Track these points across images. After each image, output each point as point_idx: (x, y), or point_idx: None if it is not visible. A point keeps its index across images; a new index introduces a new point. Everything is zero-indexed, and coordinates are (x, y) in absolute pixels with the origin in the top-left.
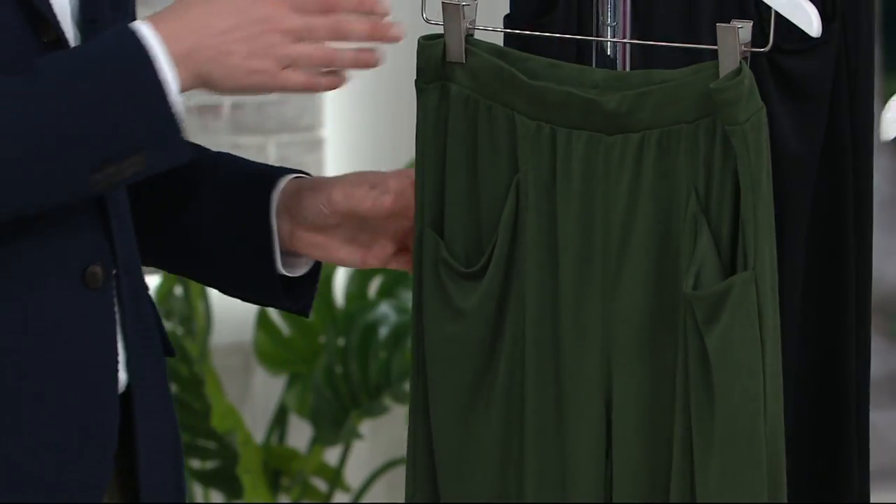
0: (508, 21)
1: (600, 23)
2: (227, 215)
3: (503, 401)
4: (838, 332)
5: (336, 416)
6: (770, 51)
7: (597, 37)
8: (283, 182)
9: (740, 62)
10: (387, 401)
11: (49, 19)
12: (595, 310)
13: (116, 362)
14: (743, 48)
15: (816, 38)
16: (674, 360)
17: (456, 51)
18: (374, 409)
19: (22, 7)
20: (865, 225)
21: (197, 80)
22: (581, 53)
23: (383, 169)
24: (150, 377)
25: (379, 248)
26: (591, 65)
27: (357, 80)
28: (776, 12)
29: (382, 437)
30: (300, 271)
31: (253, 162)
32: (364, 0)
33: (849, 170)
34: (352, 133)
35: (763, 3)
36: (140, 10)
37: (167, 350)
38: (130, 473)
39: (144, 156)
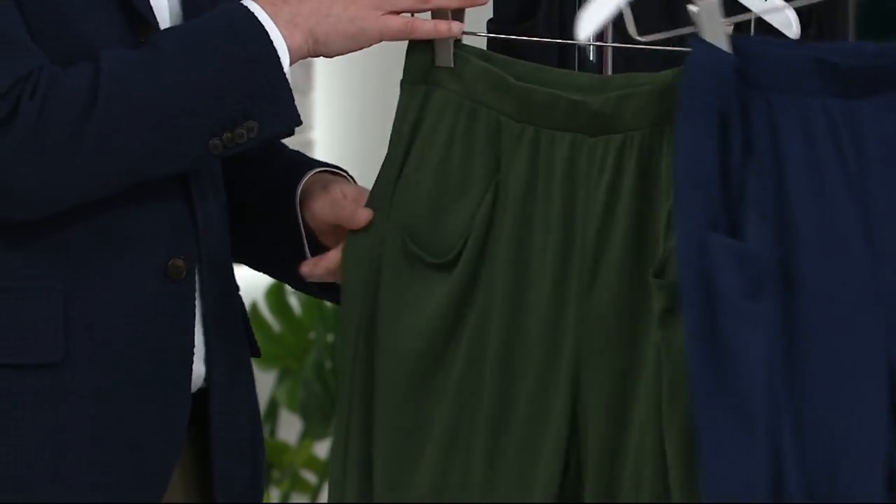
0: (491, 25)
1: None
2: (265, 201)
3: (457, 389)
4: None
5: (325, 410)
6: None
7: (577, 49)
8: (309, 174)
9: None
10: None
11: (150, 21)
12: (570, 306)
13: (191, 355)
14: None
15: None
16: (643, 355)
17: (444, 55)
18: None
19: (123, 8)
20: None
21: (308, 41)
22: (563, 57)
23: (373, 171)
24: (231, 374)
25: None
26: (572, 68)
27: (347, 83)
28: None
29: None
30: None
31: (298, 154)
32: None
33: None
34: (341, 135)
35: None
36: None
37: (253, 351)
38: (208, 468)
39: (258, 120)
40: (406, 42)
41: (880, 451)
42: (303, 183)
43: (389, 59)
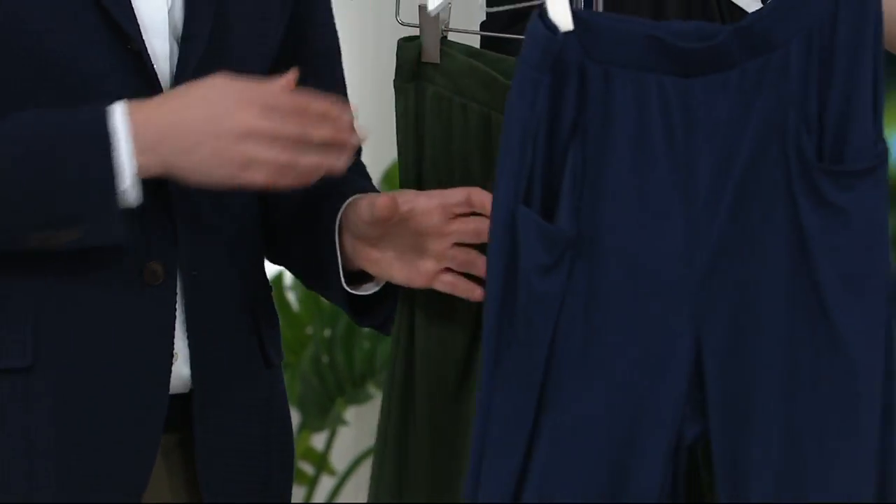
0: (485, 25)
1: None
2: (309, 229)
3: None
4: None
5: (322, 404)
6: None
7: None
8: (349, 201)
9: None
10: (371, 389)
11: (129, 33)
12: None
13: (170, 359)
14: None
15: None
16: None
17: (431, 52)
18: (358, 397)
19: (105, 18)
20: None
21: (162, 169)
22: None
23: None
24: (221, 378)
25: (423, 266)
26: None
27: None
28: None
29: (366, 423)
30: (371, 290)
31: (348, 178)
32: (329, 110)
33: None
34: None
35: (725, 5)
36: None
37: (267, 356)
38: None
39: (80, 231)
40: (399, 37)
41: (674, 420)
42: (343, 208)
43: (383, 57)
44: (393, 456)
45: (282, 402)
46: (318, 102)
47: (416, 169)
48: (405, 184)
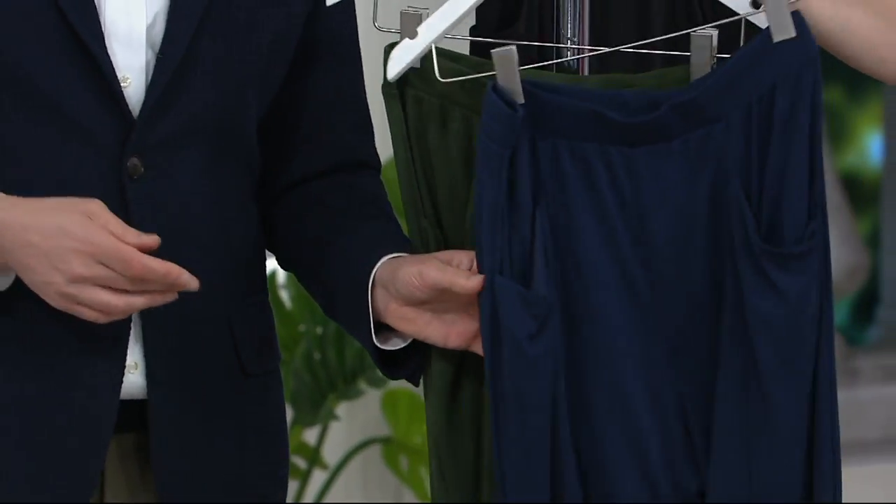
0: (473, 32)
1: (561, 36)
2: (336, 281)
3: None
4: None
5: (314, 399)
6: None
7: (557, 53)
8: (384, 259)
9: (712, 67)
10: (362, 385)
11: (106, 73)
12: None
13: (122, 372)
14: (713, 56)
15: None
16: None
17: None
18: (349, 393)
19: (71, 33)
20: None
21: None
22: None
23: None
24: (181, 390)
25: (462, 326)
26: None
27: None
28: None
29: (357, 418)
30: (400, 344)
31: (378, 230)
32: (169, 274)
33: None
34: None
35: (707, 4)
36: None
37: (241, 367)
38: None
39: None
40: (383, 42)
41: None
42: (378, 265)
43: (370, 66)
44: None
45: (267, 411)
46: (159, 268)
47: (409, 172)
48: (403, 187)
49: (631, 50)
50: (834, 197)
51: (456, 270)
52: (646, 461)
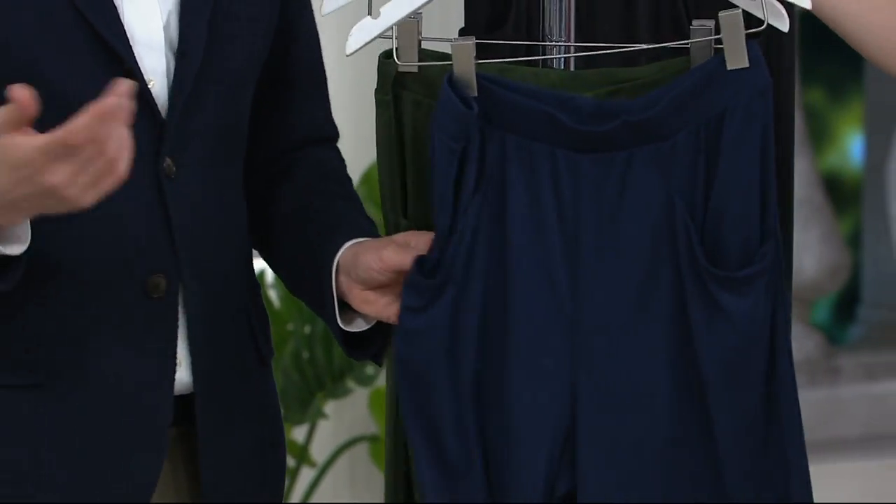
0: (462, 34)
1: (545, 37)
2: (302, 265)
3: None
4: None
5: (303, 398)
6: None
7: (544, 53)
8: (346, 245)
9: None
10: (349, 383)
11: (121, 53)
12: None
13: (174, 367)
14: (714, 45)
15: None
16: None
17: (409, 59)
18: (337, 391)
19: (95, 39)
20: (787, 222)
21: None
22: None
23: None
24: (221, 382)
25: None
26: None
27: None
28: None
29: (345, 416)
30: (364, 326)
31: (340, 214)
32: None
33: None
34: None
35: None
36: None
37: (261, 354)
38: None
39: None
40: (370, 50)
41: (547, 474)
42: (340, 253)
43: (346, 67)
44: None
45: (273, 400)
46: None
47: (399, 176)
48: (387, 191)
49: (618, 50)
50: (815, 197)
51: (414, 252)
52: (530, 457)
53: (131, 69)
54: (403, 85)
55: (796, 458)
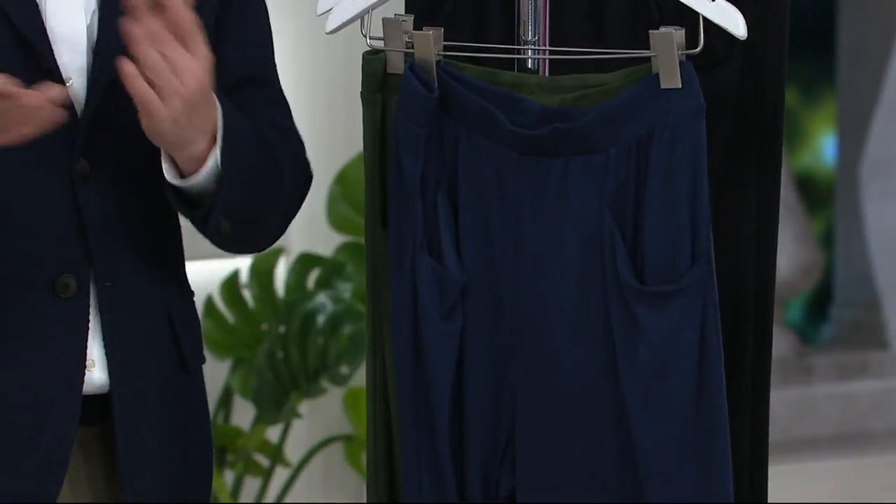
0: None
1: (521, 39)
2: None
3: None
4: (739, 321)
5: (277, 397)
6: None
7: (518, 52)
8: None
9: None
10: (324, 383)
11: (40, 51)
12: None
13: (83, 368)
14: (680, 53)
15: (720, 54)
16: None
17: (396, 63)
18: (312, 391)
19: (17, 36)
20: (771, 222)
21: None
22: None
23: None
24: (138, 385)
25: None
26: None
27: (295, 96)
28: (703, 17)
29: (320, 416)
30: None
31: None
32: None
33: (754, 175)
34: None
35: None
36: None
37: (183, 365)
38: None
39: None
40: (356, 50)
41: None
42: None
43: (322, 66)
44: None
45: (200, 409)
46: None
47: (380, 187)
48: (371, 190)
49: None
50: (789, 197)
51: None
52: (470, 456)
53: (50, 67)
54: (391, 87)
55: (723, 483)
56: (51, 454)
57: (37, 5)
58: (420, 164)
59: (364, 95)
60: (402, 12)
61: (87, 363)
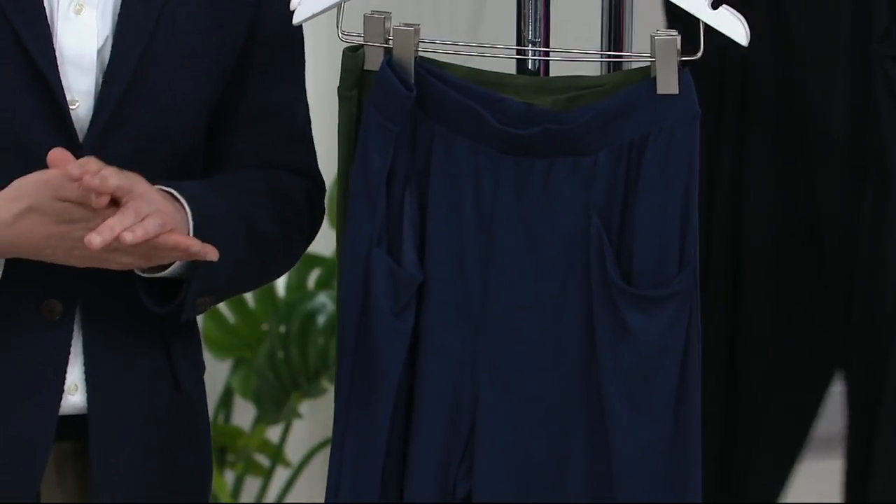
0: None
1: (523, 39)
2: None
3: None
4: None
5: (277, 397)
6: (883, 58)
7: (518, 52)
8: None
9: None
10: (324, 383)
11: (42, 68)
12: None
13: (61, 392)
14: (679, 58)
15: None
16: None
17: (374, 60)
18: (312, 391)
19: (24, 55)
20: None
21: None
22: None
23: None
24: (120, 407)
25: None
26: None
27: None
28: (704, 23)
29: (320, 416)
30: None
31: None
32: (88, 184)
33: None
34: None
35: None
36: None
37: (177, 385)
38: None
39: None
40: (342, 47)
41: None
42: None
43: (321, 68)
44: None
45: (196, 426)
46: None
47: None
48: (343, 187)
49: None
50: None
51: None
52: (425, 456)
53: (53, 88)
54: (369, 84)
55: (693, 483)
56: (22, 471)
57: (49, 26)
58: (389, 160)
59: (340, 92)
60: (380, 8)
61: (68, 387)
